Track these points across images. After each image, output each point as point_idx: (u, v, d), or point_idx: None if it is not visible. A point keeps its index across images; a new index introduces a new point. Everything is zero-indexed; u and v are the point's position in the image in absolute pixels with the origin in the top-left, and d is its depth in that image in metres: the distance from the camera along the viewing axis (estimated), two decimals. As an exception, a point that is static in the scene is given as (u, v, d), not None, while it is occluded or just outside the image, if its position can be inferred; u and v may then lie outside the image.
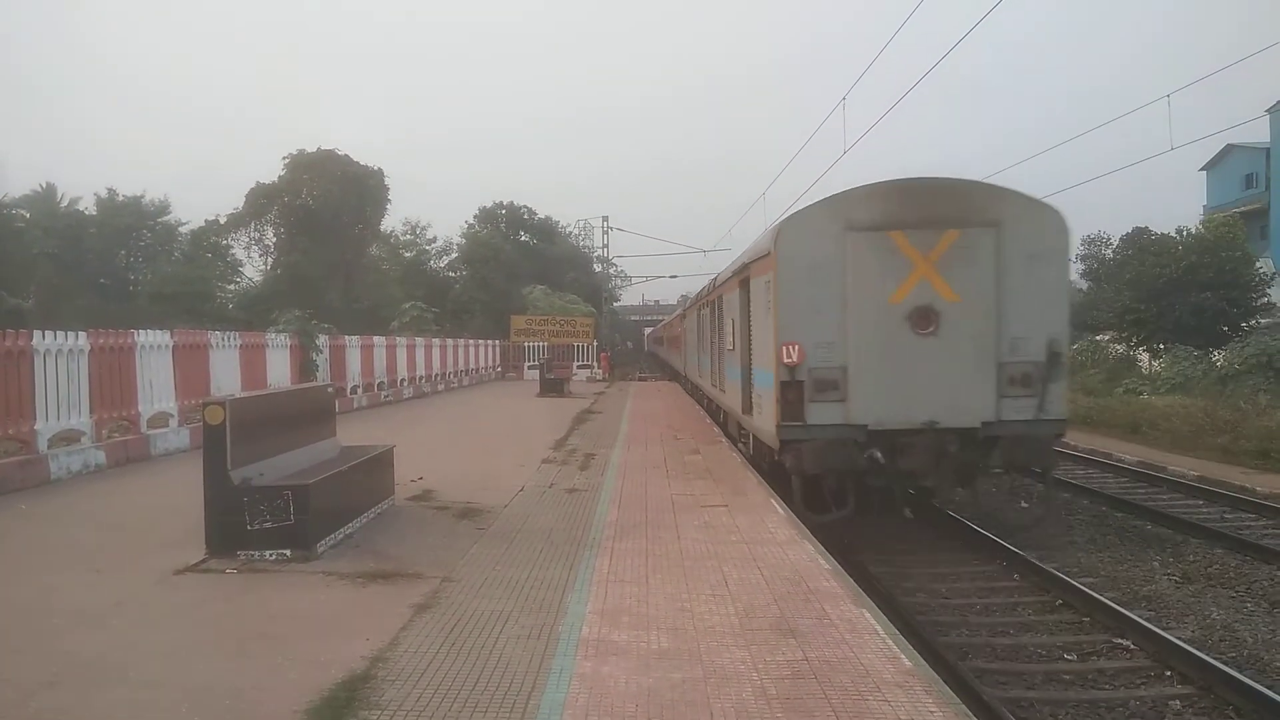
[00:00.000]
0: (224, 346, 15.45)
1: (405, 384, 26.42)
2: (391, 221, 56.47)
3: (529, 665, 4.50)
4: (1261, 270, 27.48)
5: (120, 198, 47.65)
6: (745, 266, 11.54)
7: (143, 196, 48.47)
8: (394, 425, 16.90)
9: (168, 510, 8.32)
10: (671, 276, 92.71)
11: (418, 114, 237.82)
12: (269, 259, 49.55)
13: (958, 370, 8.81)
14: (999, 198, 9.21)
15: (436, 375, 30.09)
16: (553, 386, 28.01)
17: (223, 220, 48.30)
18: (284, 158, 47.63)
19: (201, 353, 14.57)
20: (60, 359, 10.77)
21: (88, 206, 47.03)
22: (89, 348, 11.32)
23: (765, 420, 9.83)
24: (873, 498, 9.16)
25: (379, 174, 48.96)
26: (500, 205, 59.96)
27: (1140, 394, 22.14)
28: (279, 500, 6.60)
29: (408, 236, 61.03)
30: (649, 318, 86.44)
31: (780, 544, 7.18)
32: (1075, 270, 46.48)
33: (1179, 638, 6.35)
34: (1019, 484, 12.77)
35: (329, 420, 9.05)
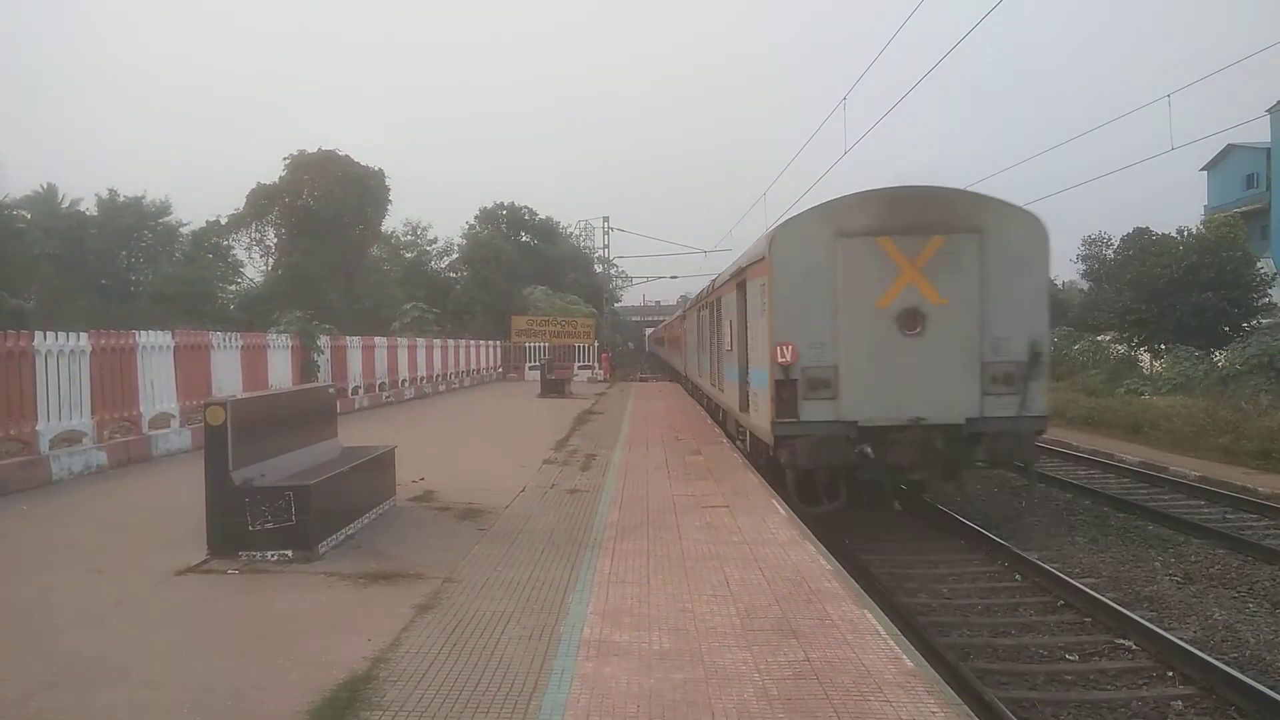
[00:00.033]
0: (225, 347, 15.47)
1: (406, 385, 26.42)
2: (392, 222, 56.54)
3: (530, 666, 4.50)
4: (1262, 270, 27.44)
5: (121, 198, 47.67)
6: (742, 270, 11.95)
7: (144, 197, 48.54)
8: (395, 426, 16.90)
9: (169, 511, 8.32)
10: (672, 277, 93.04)
11: (418, 114, 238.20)
12: (270, 260, 49.63)
13: (943, 369, 9.23)
14: (982, 205, 9.66)
15: (438, 376, 30.11)
16: (554, 387, 28.00)
17: (224, 221, 48.32)
18: (285, 158, 47.71)
19: (203, 353, 14.58)
20: (62, 360, 10.77)
21: (89, 207, 47.10)
22: (90, 348, 11.32)
23: (761, 417, 10.20)
24: (863, 491, 9.61)
25: (380, 174, 49.00)
26: (501, 206, 59.94)
27: (1141, 394, 22.14)
28: (280, 501, 6.60)
29: (409, 237, 61.13)
30: (650, 318, 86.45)
31: (782, 544, 7.18)
32: (1076, 270, 46.65)
33: (1181, 638, 6.34)
34: (1020, 485, 12.83)
35: (330, 421, 9.05)
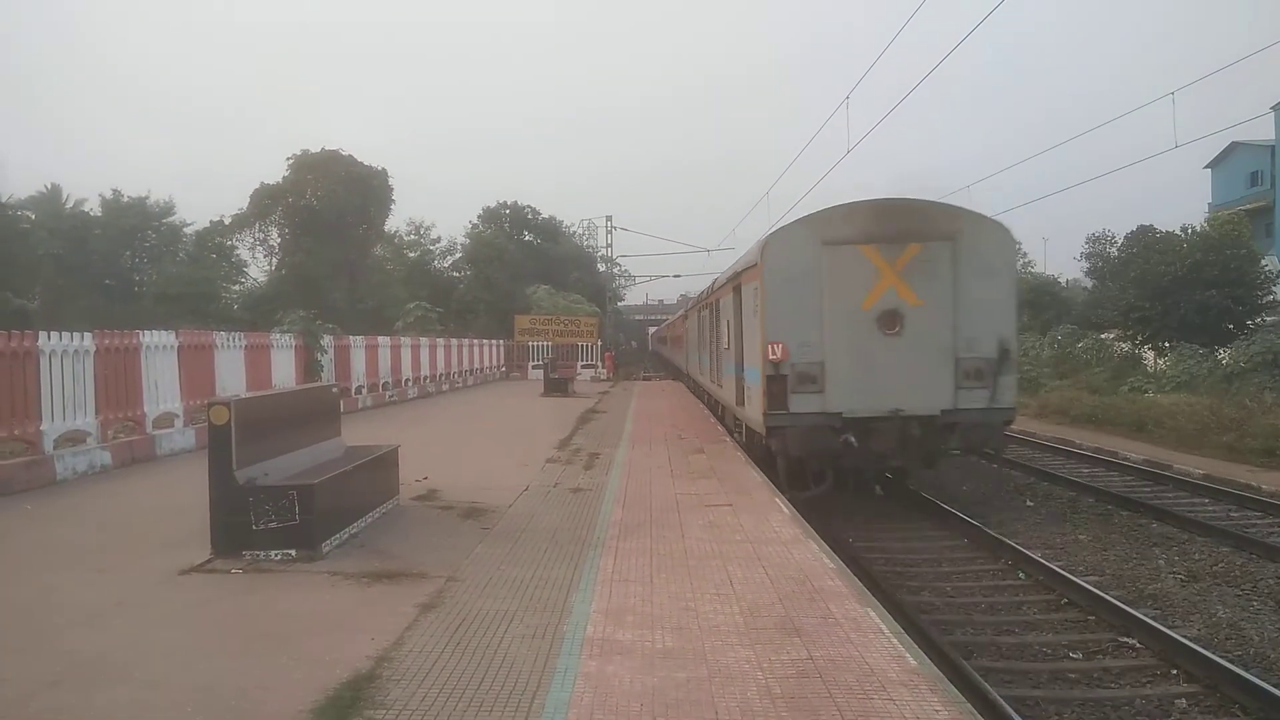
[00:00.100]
0: (229, 347, 15.49)
1: (410, 384, 26.45)
2: (395, 222, 56.56)
3: (534, 664, 4.50)
4: (1267, 268, 27.37)
5: (125, 199, 47.84)
6: (737, 274, 12.81)
7: (147, 197, 48.73)
8: (398, 425, 16.92)
9: (173, 510, 8.34)
10: (675, 276, 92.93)
11: (418, 114, 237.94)
12: (273, 259, 49.66)
13: (920, 365, 10.05)
14: (955, 215, 10.54)
15: (441, 375, 30.14)
16: (557, 386, 28.01)
17: (227, 221, 48.40)
18: (288, 158, 47.79)
19: (207, 353, 14.61)
20: (65, 360, 10.79)
21: (93, 208, 47.27)
22: (94, 348, 11.34)
23: (754, 410, 11.01)
24: (848, 477, 10.52)
25: (383, 174, 49.01)
26: (504, 205, 59.95)
27: (1145, 392, 22.07)
28: (284, 500, 6.60)
29: (412, 237, 61.17)
30: (653, 317, 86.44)
31: (785, 543, 7.18)
32: (1080, 268, 46.57)
33: (1185, 636, 6.33)
34: (1024, 484, 12.90)
35: (334, 420, 9.06)
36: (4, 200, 39.36)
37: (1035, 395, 23.97)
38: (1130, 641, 6.51)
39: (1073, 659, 6.31)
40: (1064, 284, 45.99)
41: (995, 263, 10.30)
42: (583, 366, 39.61)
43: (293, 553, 6.63)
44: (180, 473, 10.81)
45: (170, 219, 49.52)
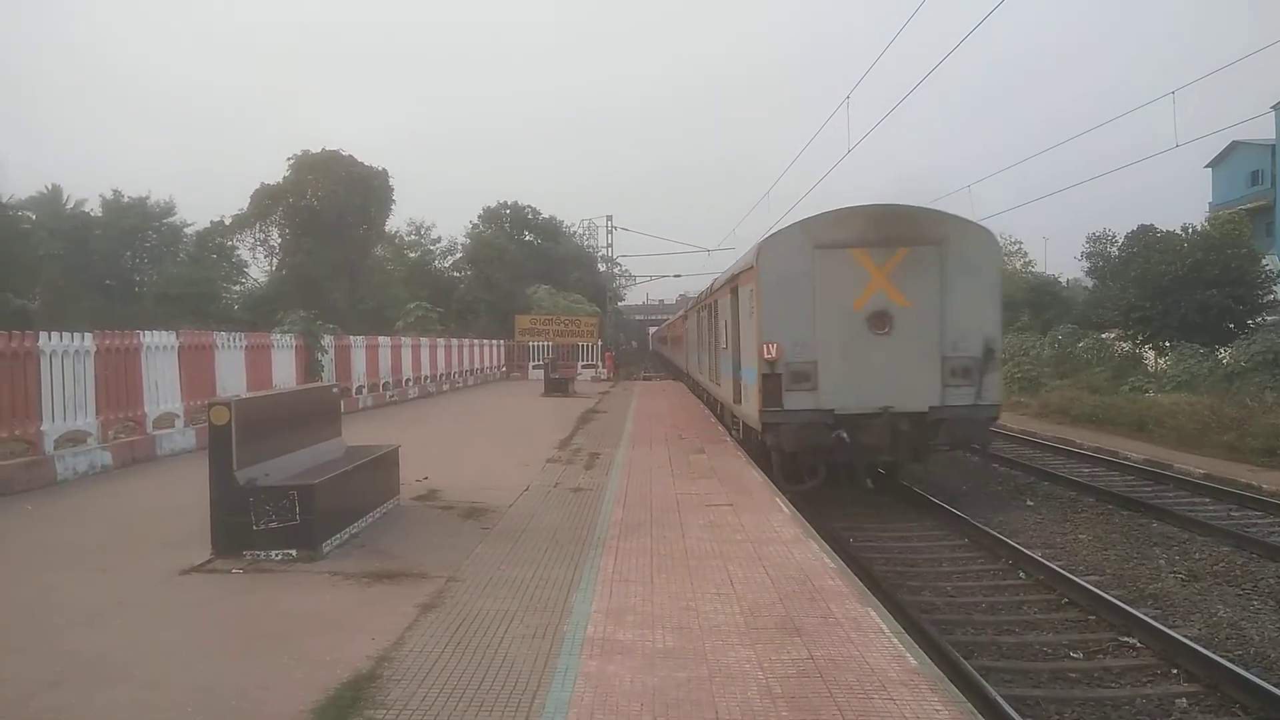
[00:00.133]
0: (229, 347, 15.49)
1: (410, 384, 26.45)
2: (396, 222, 56.59)
3: (534, 664, 4.50)
4: (1268, 267, 27.37)
5: (125, 199, 47.81)
6: (734, 277, 13.21)
7: (148, 198, 48.66)
8: (399, 425, 16.92)
9: (173, 511, 8.34)
10: (675, 276, 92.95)
11: (418, 114, 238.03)
12: (274, 260, 49.73)
13: (909, 363, 10.44)
14: (942, 220, 10.92)
15: (441, 375, 30.14)
16: (557, 386, 28.00)
17: (228, 221, 48.43)
18: (288, 159, 47.84)
19: (207, 353, 14.61)
20: (66, 360, 10.79)
21: (93, 208, 47.20)
22: (95, 349, 11.34)
23: (751, 407, 11.45)
24: (840, 471, 10.91)
25: (383, 174, 49.04)
26: (504, 205, 59.95)
27: (1146, 392, 22.07)
28: (284, 500, 6.60)
29: (412, 237, 61.21)
30: (653, 317, 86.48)
31: (785, 543, 7.18)
32: (1081, 268, 46.52)
33: (1185, 635, 6.33)
34: (1024, 483, 12.93)
35: (334, 420, 9.06)
36: (4, 201, 39.36)
37: (1036, 395, 23.99)
38: (1131, 641, 6.51)
39: (1073, 658, 6.31)
40: (1065, 284, 45.99)
41: (980, 266, 10.68)
42: (583, 366, 39.59)
43: (293, 553, 6.63)
44: (181, 473, 10.81)
45: (171, 219, 49.49)
